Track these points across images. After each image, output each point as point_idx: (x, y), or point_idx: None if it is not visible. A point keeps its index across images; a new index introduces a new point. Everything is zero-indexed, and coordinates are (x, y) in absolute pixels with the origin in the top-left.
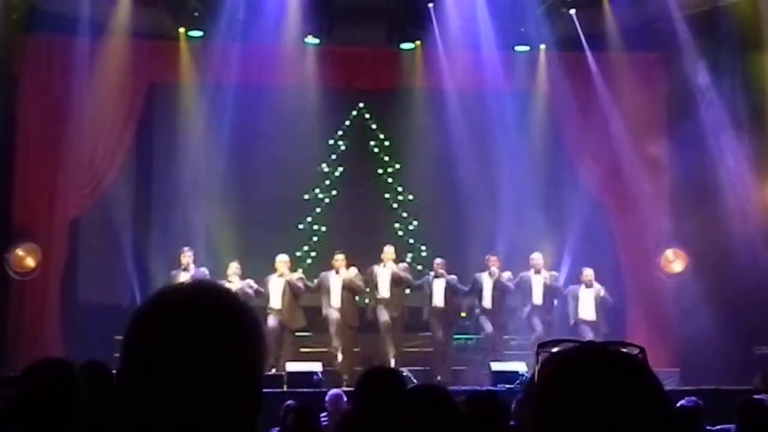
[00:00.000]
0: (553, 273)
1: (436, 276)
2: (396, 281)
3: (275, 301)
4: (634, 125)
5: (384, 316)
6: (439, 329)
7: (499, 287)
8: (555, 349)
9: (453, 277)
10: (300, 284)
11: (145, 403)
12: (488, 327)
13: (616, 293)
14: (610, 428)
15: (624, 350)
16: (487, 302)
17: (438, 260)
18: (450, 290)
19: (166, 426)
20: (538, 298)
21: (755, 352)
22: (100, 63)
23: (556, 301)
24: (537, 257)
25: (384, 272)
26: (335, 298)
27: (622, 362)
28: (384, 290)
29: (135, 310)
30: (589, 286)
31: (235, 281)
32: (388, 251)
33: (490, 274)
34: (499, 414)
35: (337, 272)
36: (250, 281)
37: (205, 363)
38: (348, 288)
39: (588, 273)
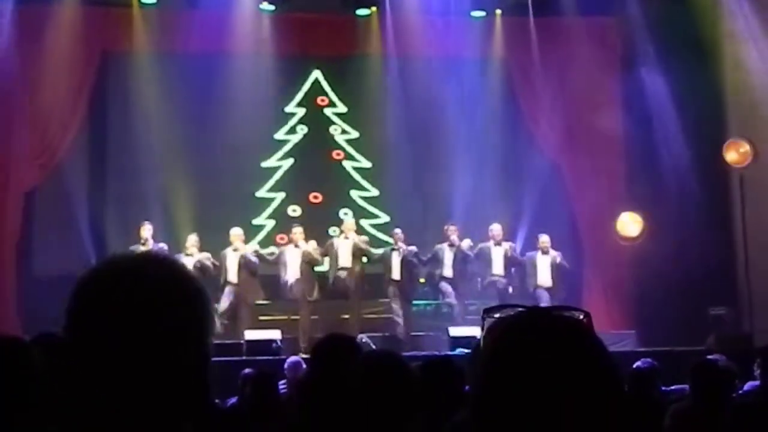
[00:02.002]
0: (512, 244)
1: (394, 248)
2: (356, 254)
3: (232, 275)
4: (589, 90)
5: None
6: (396, 301)
7: (459, 257)
8: (499, 314)
9: (412, 248)
10: (254, 258)
11: (87, 368)
12: (449, 294)
13: (572, 258)
14: (552, 393)
15: (567, 314)
16: (447, 271)
17: (396, 231)
18: (408, 263)
19: (109, 391)
20: (498, 268)
21: (709, 313)
22: (52, 30)
23: (513, 270)
24: (496, 228)
25: (345, 245)
26: (293, 271)
27: (563, 326)
28: (344, 261)
29: (82, 275)
30: (545, 252)
31: (194, 254)
32: (349, 223)
33: (450, 245)
34: (454, 379)
35: (296, 245)
36: (208, 254)
37: (149, 331)
38: (306, 261)
39: (544, 239)
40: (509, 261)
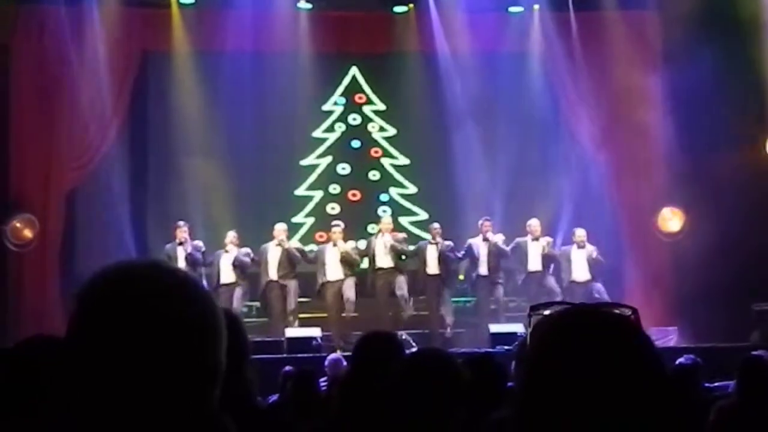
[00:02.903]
0: (549, 239)
1: (431, 242)
2: (393, 252)
3: (272, 270)
4: (628, 84)
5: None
6: (434, 297)
7: (494, 252)
8: (547, 312)
9: (448, 243)
10: (297, 253)
11: (89, 381)
12: (485, 293)
13: (613, 253)
14: (601, 389)
15: (616, 311)
16: (483, 269)
17: (434, 225)
18: (445, 258)
19: (110, 405)
20: (535, 264)
21: (753, 308)
22: (92, 31)
23: (552, 266)
24: (534, 224)
25: (381, 243)
26: (332, 271)
27: (612, 323)
28: (381, 261)
29: (84, 284)
30: (581, 246)
31: (232, 250)
32: (386, 222)
33: (484, 239)
34: (497, 376)
35: (335, 244)
36: (248, 249)
37: (154, 345)
38: (344, 261)
39: (580, 234)
40: (547, 257)
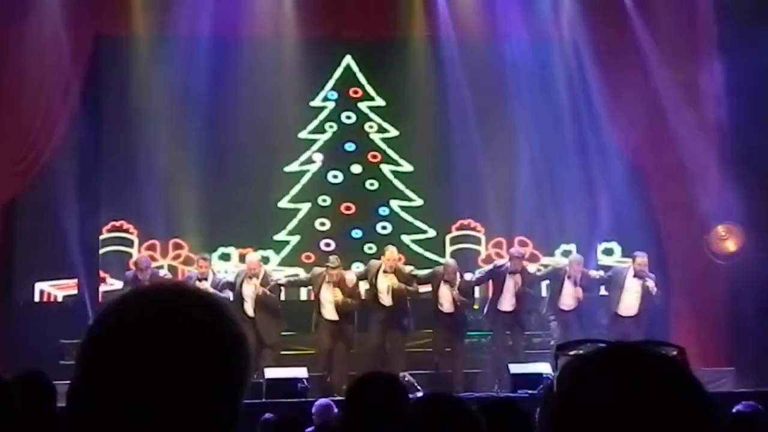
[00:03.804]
0: (585, 270)
1: (445, 281)
2: (396, 294)
3: (248, 308)
4: (676, 80)
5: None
6: (446, 335)
7: (522, 290)
8: (576, 351)
9: (468, 276)
10: (275, 296)
11: (101, 424)
12: (504, 327)
13: (657, 279)
14: None
15: (659, 351)
16: (506, 304)
17: (450, 264)
18: (462, 295)
19: None
20: (567, 305)
21: None
22: (36, 13)
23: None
24: (575, 260)
25: (385, 281)
26: (329, 311)
27: (655, 364)
28: (386, 299)
29: (95, 319)
30: (639, 276)
31: (209, 278)
32: (392, 254)
33: (512, 272)
34: (518, 425)
35: (335, 286)
36: (225, 279)
37: (180, 384)
38: (341, 309)
39: (641, 260)
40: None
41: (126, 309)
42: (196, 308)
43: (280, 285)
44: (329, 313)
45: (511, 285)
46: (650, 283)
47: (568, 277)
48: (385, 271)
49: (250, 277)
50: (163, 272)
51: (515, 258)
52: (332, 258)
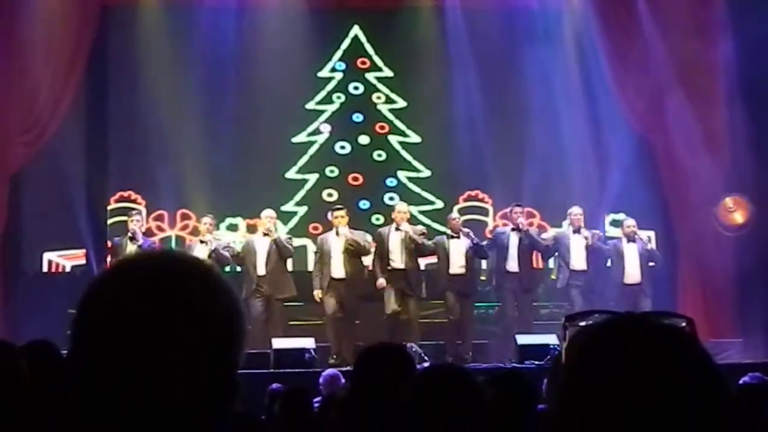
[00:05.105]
0: (596, 232)
1: (453, 236)
2: (409, 248)
3: (260, 265)
4: (687, 49)
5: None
6: (456, 301)
7: (527, 243)
8: (585, 322)
9: (470, 234)
10: (290, 246)
11: (99, 395)
12: (513, 295)
13: (665, 252)
14: (650, 414)
15: (667, 321)
16: (512, 264)
17: (454, 216)
18: (473, 253)
19: (124, 419)
20: (578, 262)
21: None
22: None
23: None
24: (576, 212)
25: (396, 237)
26: (337, 265)
27: (663, 335)
28: (397, 260)
29: (88, 285)
30: (631, 239)
31: (209, 241)
32: (402, 209)
33: (514, 228)
34: (525, 396)
35: (337, 233)
36: (228, 241)
37: (171, 348)
38: (350, 250)
39: (629, 224)
40: (592, 253)
41: (118, 277)
42: (189, 275)
43: (289, 240)
44: (336, 269)
45: (515, 241)
46: (647, 243)
47: (573, 230)
48: (397, 228)
49: (266, 234)
50: (153, 240)
51: (514, 214)
52: (337, 209)
